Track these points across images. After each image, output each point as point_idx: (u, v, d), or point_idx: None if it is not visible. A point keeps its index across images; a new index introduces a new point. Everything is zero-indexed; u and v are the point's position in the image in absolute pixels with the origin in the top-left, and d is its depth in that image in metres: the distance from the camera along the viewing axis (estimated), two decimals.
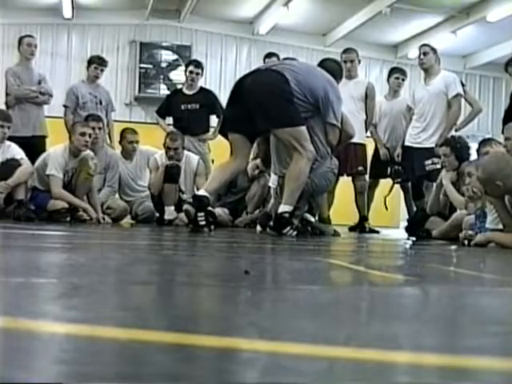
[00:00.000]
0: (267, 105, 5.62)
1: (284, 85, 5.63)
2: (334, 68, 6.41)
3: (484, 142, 7.00)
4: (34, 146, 8.08)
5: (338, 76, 6.35)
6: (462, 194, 6.28)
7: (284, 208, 5.64)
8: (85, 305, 1.41)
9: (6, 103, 8.31)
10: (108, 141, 8.70)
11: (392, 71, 9.13)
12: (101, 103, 8.80)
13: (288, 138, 5.68)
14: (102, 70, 8.93)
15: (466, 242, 5.25)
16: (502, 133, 6.68)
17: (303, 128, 5.69)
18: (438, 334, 1.23)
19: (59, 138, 8.21)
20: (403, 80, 8.93)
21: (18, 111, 8.24)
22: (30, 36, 8.80)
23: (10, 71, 8.50)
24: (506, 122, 7.21)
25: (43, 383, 0.81)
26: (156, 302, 1.56)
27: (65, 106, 8.71)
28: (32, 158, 7.39)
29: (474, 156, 7.03)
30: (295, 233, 5.62)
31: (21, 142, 7.56)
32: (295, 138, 5.64)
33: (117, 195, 8.28)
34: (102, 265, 2.31)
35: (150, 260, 2.65)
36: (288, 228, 5.58)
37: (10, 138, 7.38)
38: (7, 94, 8.37)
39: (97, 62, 8.91)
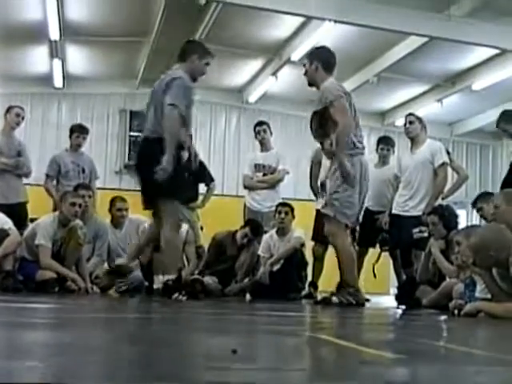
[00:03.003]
0: None
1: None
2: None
3: (484, 196, 7.12)
4: (17, 212, 8.15)
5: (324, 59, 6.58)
6: (451, 263, 6.29)
7: (166, 277, 6.10)
8: None
9: None
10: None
11: (378, 141, 9.30)
12: (83, 171, 8.87)
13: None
14: (84, 138, 9.04)
15: (456, 311, 5.23)
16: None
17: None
18: None
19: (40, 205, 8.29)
20: (388, 150, 9.06)
21: (1, 180, 8.34)
22: (20, 107, 8.88)
23: None
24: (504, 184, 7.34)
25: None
26: None
27: (46, 175, 8.79)
28: (17, 223, 7.38)
29: (462, 224, 7.07)
30: (185, 297, 5.98)
31: (4, 209, 7.57)
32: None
33: (106, 264, 8.23)
34: (87, 345, 2.28)
35: (138, 338, 2.62)
36: (176, 294, 5.96)
37: None
38: None
39: (78, 131, 9.03)
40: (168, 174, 5.95)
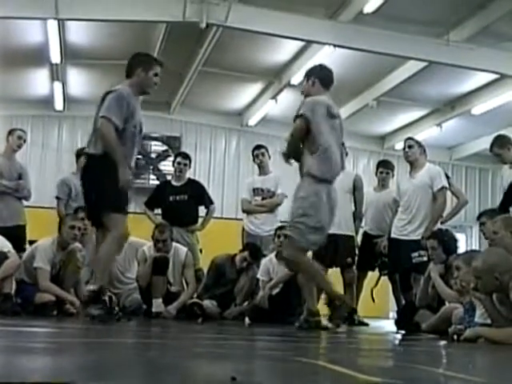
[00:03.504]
0: None
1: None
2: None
3: (489, 212, 7.18)
4: (16, 234, 8.18)
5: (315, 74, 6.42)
6: (451, 287, 6.27)
7: (91, 287, 5.95)
8: None
9: None
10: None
11: (378, 165, 9.33)
12: None
13: None
14: None
15: (455, 336, 5.21)
16: None
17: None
18: None
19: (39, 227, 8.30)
20: (387, 173, 9.08)
21: (0, 202, 8.36)
22: (21, 130, 8.93)
23: None
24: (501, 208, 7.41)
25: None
26: None
27: (57, 198, 8.79)
28: (15, 245, 7.39)
29: (461, 249, 7.07)
30: (99, 311, 5.80)
31: (3, 231, 7.59)
32: None
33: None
34: (87, 370, 2.27)
35: (136, 363, 2.62)
36: (93, 310, 5.80)
37: None
38: None
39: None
40: (130, 182, 5.95)
